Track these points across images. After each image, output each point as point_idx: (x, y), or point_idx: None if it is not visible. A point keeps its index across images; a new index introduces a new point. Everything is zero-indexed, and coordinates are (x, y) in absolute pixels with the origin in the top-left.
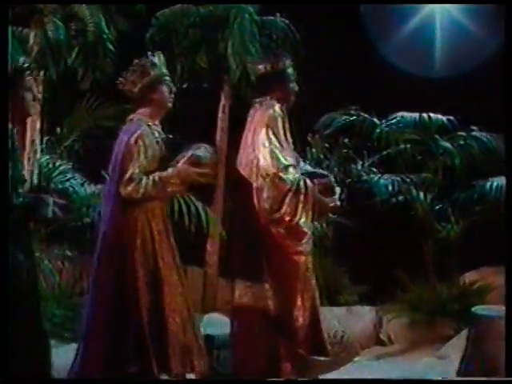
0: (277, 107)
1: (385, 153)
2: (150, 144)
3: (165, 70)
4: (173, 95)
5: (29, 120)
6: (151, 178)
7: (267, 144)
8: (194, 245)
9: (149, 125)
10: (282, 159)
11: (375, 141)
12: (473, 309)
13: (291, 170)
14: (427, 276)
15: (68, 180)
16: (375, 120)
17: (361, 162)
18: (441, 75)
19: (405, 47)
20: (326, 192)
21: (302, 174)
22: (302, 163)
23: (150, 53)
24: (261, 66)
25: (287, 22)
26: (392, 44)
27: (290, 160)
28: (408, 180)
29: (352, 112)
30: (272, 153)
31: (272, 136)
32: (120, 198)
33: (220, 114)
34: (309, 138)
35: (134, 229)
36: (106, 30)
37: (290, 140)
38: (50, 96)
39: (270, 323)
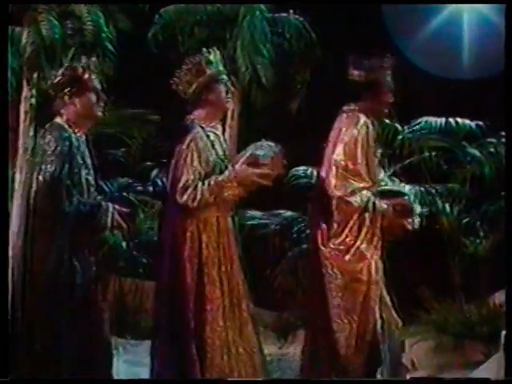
0: (362, 120)
1: (408, 161)
2: (203, 147)
3: (221, 68)
4: (230, 95)
5: (21, 126)
6: (206, 182)
7: (342, 163)
8: None
9: (202, 127)
10: (353, 182)
11: (397, 148)
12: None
13: (363, 192)
14: (454, 296)
15: None
16: (397, 126)
17: (382, 172)
18: (469, 77)
19: (429, 47)
20: (403, 212)
21: (376, 193)
22: (384, 178)
23: (204, 49)
24: (357, 73)
25: (301, 19)
26: (415, 43)
27: (365, 182)
28: (433, 191)
29: None
30: (342, 174)
31: (348, 155)
32: (176, 206)
33: (228, 121)
34: (325, 145)
35: (183, 239)
36: (105, 29)
37: (379, 152)
38: (43, 100)
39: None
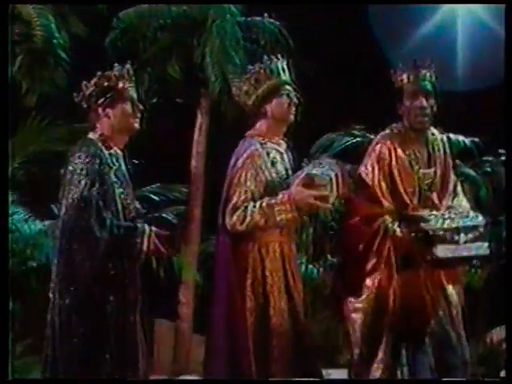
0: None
1: None
2: (261, 166)
3: (284, 78)
4: (293, 108)
5: None
6: (258, 204)
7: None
8: (163, 293)
9: (262, 143)
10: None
11: None
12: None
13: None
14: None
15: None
16: None
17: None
18: (464, 89)
19: (421, 54)
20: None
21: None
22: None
23: (266, 57)
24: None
25: (278, 23)
26: (405, 51)
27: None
28: None
29: (356, 132)
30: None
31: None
32: (227, 229)
33: (196, 136)
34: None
35: (245, 267)
36: (57, 34)
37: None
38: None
39: None
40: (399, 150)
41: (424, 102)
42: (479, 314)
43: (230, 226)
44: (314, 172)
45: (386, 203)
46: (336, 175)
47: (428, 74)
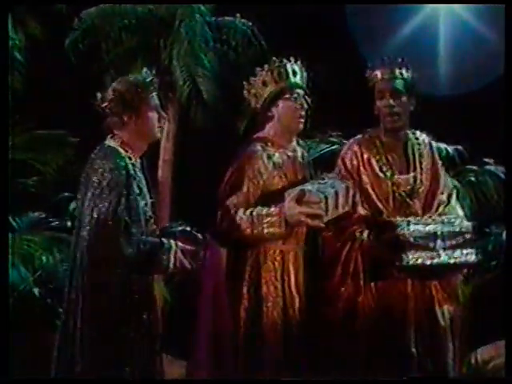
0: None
1: None
2: (259, 168)
3: (294, 80)
4: (303, 112)
5: None
6: (248, 212)
7: None
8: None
9: (264, 147)
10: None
11: None
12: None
13: None
14: None
15: None
16: None
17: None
18: (446, 93)
19: (401, 55)
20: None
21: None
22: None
23: (274, 58)
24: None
25: (250, 24)
26: (384, 52)
27: None
28: None
29: (332, 139)
30: None
31: None
32: (223, 236)
33: (163, 143)
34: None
35: (241, 273)
36: (14, 36)
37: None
38: None
39: None
40: (367, 156)
41: (391, 101)
42: (463, 331)
43: (220, 230)
44: (309, 188)
45: (362, 211)
46: (336, 193)
47: (399, 72)
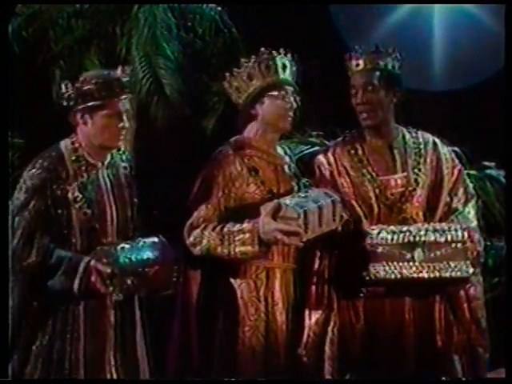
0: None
1: None
2: (231, 175)
3: (283, 76)
4: (291, 113)
5: None
6: (218, 228)
7: None
8: None
9: (240, 150)
10: None
11: None
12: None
13: None
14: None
15: None
16: None
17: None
18: (443, 89)
19: (391, 46)
20: None
21: None
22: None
23: (263, 49)
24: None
25: (219, 9)
26: (372, 44)
27: None
28: None
29: (313, 140)
30: None
31: None
32: (191, 254)
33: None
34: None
35: (233, 301)
36: None
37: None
38: None
39: None
40: (343, 158)
41: (364, 98)
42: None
43: (189, 247)
44: (287, 202)
45: (345, 217)
46: (320, 207)
47: (384, 64)
